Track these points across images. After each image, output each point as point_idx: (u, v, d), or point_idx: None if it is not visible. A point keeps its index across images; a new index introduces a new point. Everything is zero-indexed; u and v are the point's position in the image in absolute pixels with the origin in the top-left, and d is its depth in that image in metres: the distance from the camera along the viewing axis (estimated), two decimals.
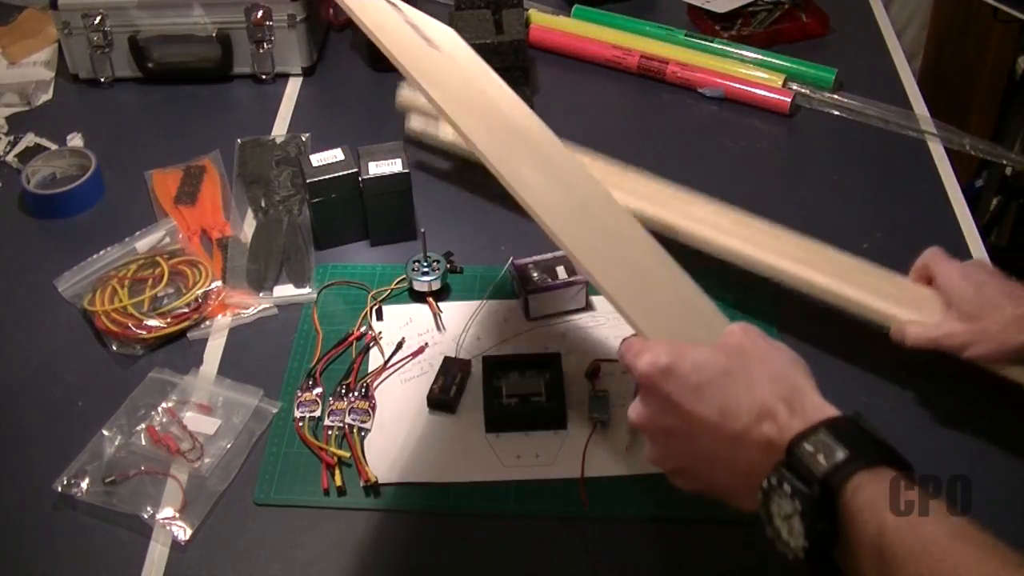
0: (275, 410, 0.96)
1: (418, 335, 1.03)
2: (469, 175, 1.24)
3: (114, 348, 1.03)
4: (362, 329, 1.03)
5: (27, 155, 1.28)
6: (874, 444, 0.59)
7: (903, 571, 0.53)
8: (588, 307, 1.05)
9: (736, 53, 1.37)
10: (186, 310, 1.05)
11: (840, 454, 0.58)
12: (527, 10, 1.44)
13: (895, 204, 1.16)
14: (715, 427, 0.64)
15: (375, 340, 1.02)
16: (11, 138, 1.32)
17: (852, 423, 0.60)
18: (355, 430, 0.94)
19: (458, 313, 1.05)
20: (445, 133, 1.17)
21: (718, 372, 0.65)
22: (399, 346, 1.02)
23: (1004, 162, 1.52)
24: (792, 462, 0.59)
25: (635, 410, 0.69)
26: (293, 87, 1.40)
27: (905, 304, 0.91)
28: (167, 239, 1.13)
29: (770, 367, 0.65)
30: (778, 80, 1.32)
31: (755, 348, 0.66)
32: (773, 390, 0.63)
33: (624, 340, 0.70)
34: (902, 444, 0.63)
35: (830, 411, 0.62)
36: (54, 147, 1.29)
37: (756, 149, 1.27)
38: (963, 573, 0.51)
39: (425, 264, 1.06)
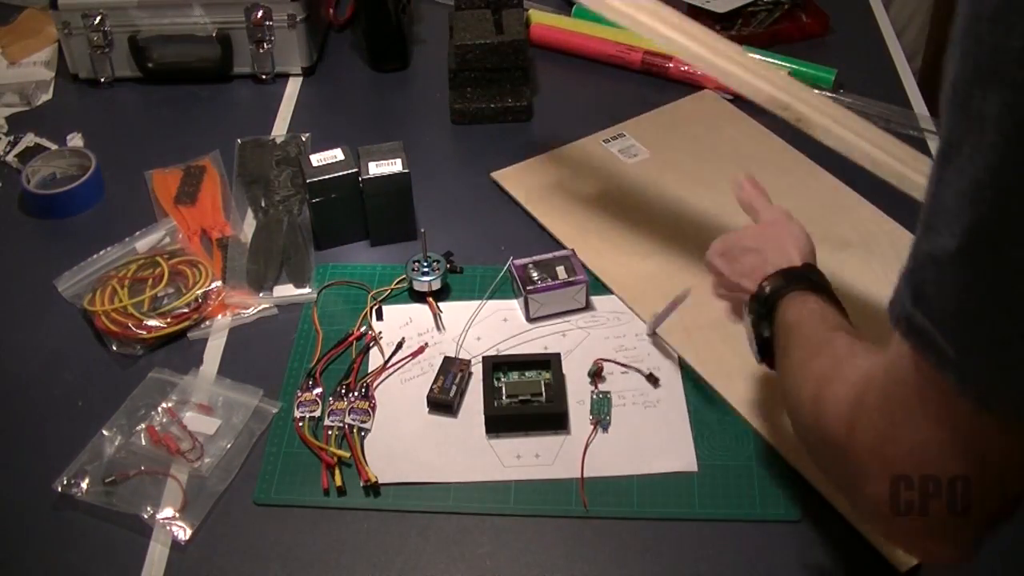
0: (275, 410, 0.96)
1: (418, 335, 1.03)
2: (469, 174, 1.24)
3: (114, 348, 1.03)
4: (362, 329, 1.03)
5: (27, 155, 1.28)
6: (805, 280, 0.83)
7: (787, 338, 0.79)
8: (588, 307, 1.05)
9: None
10: (186, 310, 1.05)
11: (779, 284, 0.83)
12: (527, 10, 1.44)
13: (896, 203, 1.16)
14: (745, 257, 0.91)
15: (375, 340, 1.02)
16: (11, 138, 1.32)
17: (799, 270, 0.84)
18: (355, 430, 0.94)
19: (458, 313, 1.05)
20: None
21: (751, 237, 0.93)
22: (399, 346, 1.02)
23: None
24: (757, 292, 0.84)
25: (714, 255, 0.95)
26: (293, 87, 1.40)
27: None
28: (167, 239, 1.13)
29: (778, 239, 0.89)
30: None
31: (774, 226, 0.92)
32: (773, 256, 0.87)
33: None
34: None
35: (796, 264, 0.86)
36: (54, 147, 1.29)
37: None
38: (808, 332, 0.77)
39: (425, 264, 1.06)
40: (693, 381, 0.97)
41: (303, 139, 1.27)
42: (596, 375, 0.97)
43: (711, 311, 0.97)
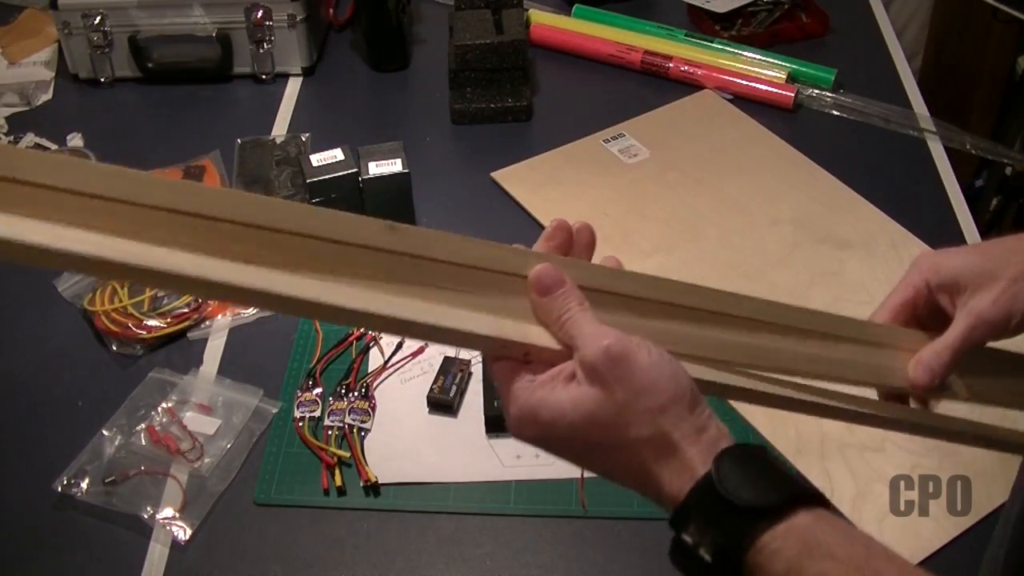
0: (275, 410, 0.96)
1: None
2: (469, 174, 1.24)
3: (114, 348, 1.03)
4: (362, 329, 1.03)
5: None
6: (744, 515, 0.50)
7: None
8: None
9: (736, 53, 1.37)
10: (186, 310, 1.05)
11: (718, 541, 0.50)
12: (527, 10, 1.44)
13: (895, 203, 1.16)
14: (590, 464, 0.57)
15: (375, 340, 1.02)
16: (11, 138, 1.32)
17: (716, 492, 0.50)
18: (355, 430, 0.94)
19: None
20: None
21: (579, 433, 0.53)
22: (399, 346, 1.02)
23: (1004, 161, 1.52)
24: (679, 547, 0.52)
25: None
26: (293, 87, 1.40)
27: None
28: None
29: (628, 421, 0.52)
30: (781, 75, 1.33)
31: (616, 398, 0.52)
32: (641, 458, 0.53)
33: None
34: None
35: (697, 473, 0.52)
36: (54, 147, 1.29)
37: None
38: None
39: None
40: None
41: (303, 139, 1.27)
42: None
43: None
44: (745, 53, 1.37)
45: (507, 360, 0.55)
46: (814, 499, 0.51)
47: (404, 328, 0.52)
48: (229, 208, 0.49)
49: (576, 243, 0.61)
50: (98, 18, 1.34)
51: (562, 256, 0.59)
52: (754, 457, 0.53)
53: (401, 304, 0.52)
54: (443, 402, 0.95)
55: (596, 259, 0.61)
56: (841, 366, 0.64)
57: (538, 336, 0.55)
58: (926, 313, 0.67)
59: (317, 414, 0.95)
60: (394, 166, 1.10)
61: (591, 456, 0.55)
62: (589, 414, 0.52)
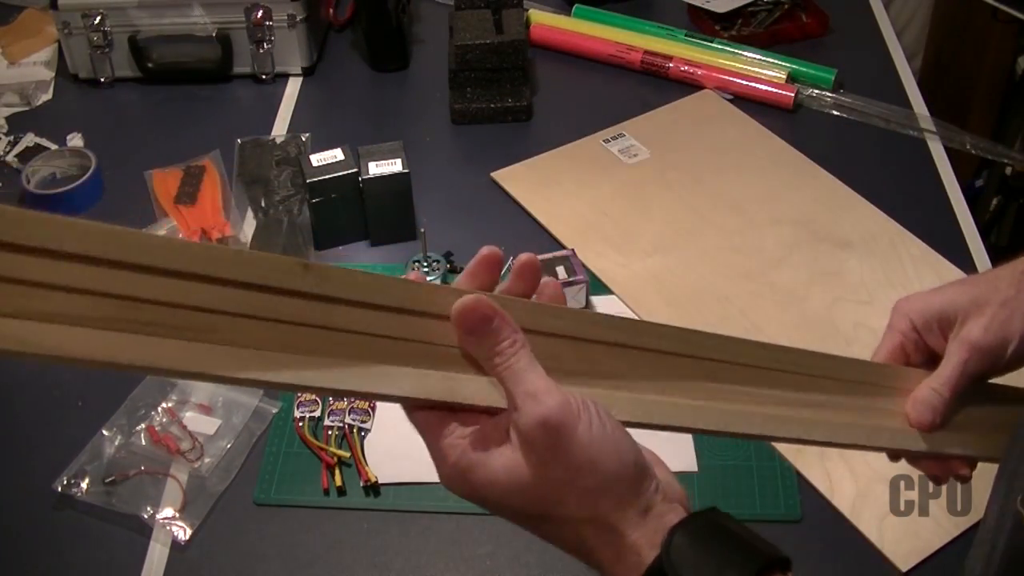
0: (275, 410, 0.96)
1: None
2: (469, 174, 1.24)
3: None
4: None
5: (27, 155, 1.28)
6: None
7: None
8: (588, 307, 1.05)
9: (736, 53, 1.37)
10: None
11: None
12: (527, 10, 1.44)
13: (895, 203, 1.16)
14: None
15: None
16: (11, 138, 1.32)
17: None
18: (355, 430, 0.94)
19: None
20: None
21: (516, 504, 0.51)
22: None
23: (1004, 160, 1.52)
24: None
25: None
26: (293, 87, 1.40)
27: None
28: None
29: (572, 502, 0.49)
30: (782, 75, 1.33)
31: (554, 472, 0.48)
32: (580, 536, 0.51)
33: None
34: None
35: (644, 559, 0.49)
36: (54, 147, 1.29)
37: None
38: None
39: (425, 264, 1.06)
40: None
41: (303, 139, 1.27)
42: None
43: (711, 311, 0.97)
44: (745, 53, 1.37)
45: (431, 411, 0.50)
46: (780, 563, 0.48)
47: (315, 390, 0.48)
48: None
49: (517, 274, 0.54)
50: (98, 18, 1.34)
51: (493, 292, 0.52)
52: (708, 529, 0.49)
53: (304, 365, 0.46)
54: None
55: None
56: (832, 429, 0.59)
57: (468, 392, 0.49)
58: (918, 359, 0.64)
59: (317, 414, 0.95)
60: (394, 166, 1.10)
61: (528, 525, 0.52)
62: (523, 487, 0.48)
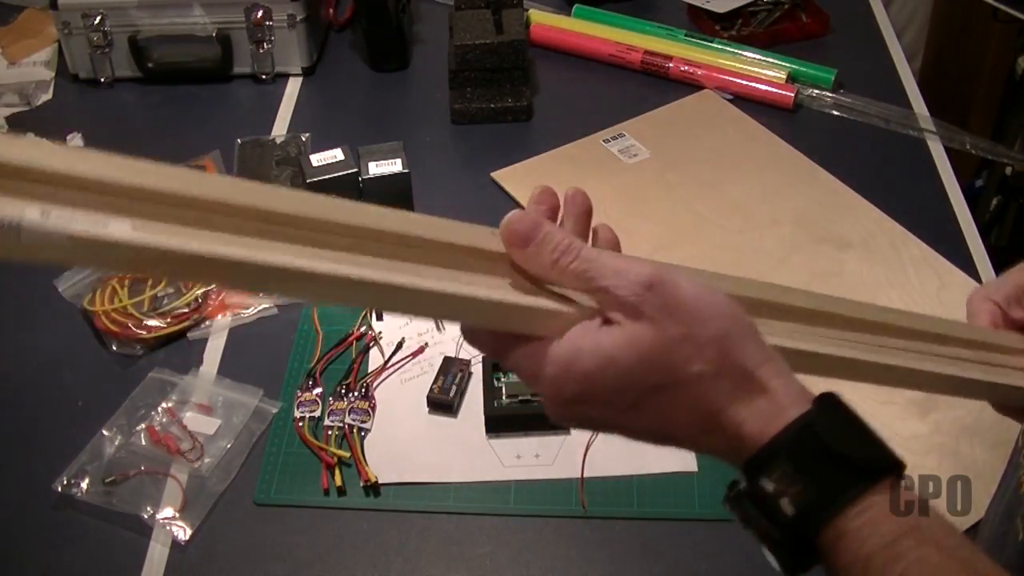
0: (275, 410, 0.96)
1: (418, 335, 1.03)
2: (469, 174, 1.24)
3: (114, 348, 1.03)
4: (362, 329, 1.03)
5: None
6: (848, 469, 0.44)
7: None
8: None
9: (736, 53, 1.37)
10: (186, 310, 1.05)
11: (809, 494, 0.44)
12: (527, 10, 1.44)
13: (895, 203, 1.16)
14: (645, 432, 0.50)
15: (375, 340, 1.02)
16: None
17: (816, 438, 0.44)
18: (355, 430, 0.94)
19: None
20: None
21: (629, 382, 0.46)
22: (399, 346, 1.02)
23: (1004, 160, 1.52)
24: (753, 493, 0.46)
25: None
26: (293, 87, 1.40)
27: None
28: None
29: (698, 357, 0.46)
30: (782, 75, 1.33)
31: (671, 332, 0.45)
32: (709, 396, 0.47)
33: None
34: None
35: (787, 413, 0.46)
36: None
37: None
38: None
39: None
40: None
41: (303, 139, 1.27)
42: None
43: None
44: (745, 53, 1.37)
45: (515, 340, 0.48)
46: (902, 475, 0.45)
47: (404, 301, 0.47)
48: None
49: (569, 214, 0.51)
50: (98, 18, 1.34)
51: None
52: (851, 409, 0.46)
53: (398, 271, 0.46)
54: (443, 402, 0.95)
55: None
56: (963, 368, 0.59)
57: (545, 302, 0.47)
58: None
59: (317, 414, 0.95)
60: (394, 166, 1.10)
61: (647, 405, 0.47)
62: (642, 355, 0.45)
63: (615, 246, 0.51)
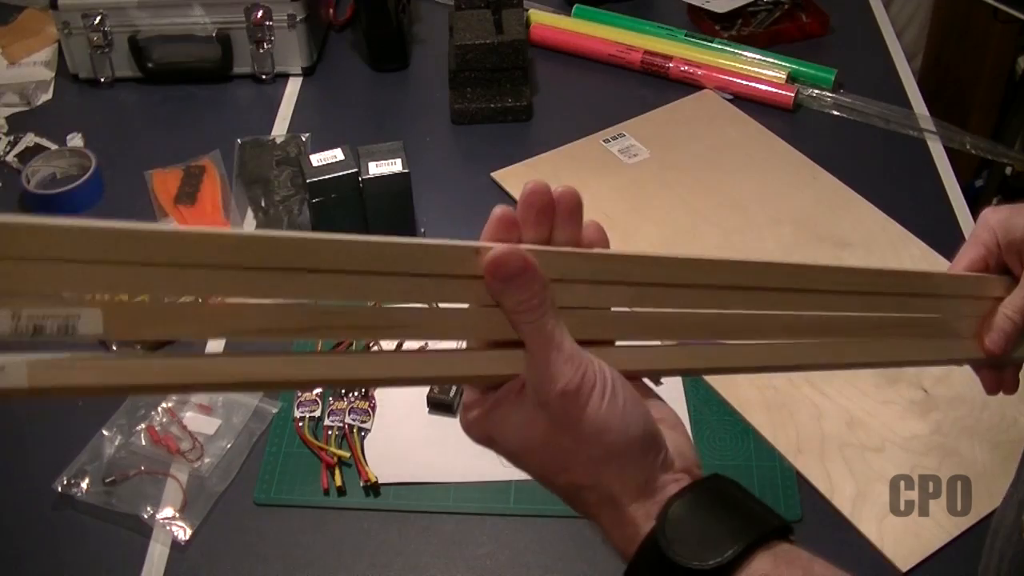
0: (275, 410, 0.96)
1: None
2: (469, 174, 1.24)
3: (114, 348, 1.03)
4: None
5: (27, 155, 1.28)
6: (695, 573, 0.47)
7: None
8: None
9: (736, 53, 1.37)
10: None
11: None
12: (527, 10, 1.44)
13: (895, 203, 1.16)
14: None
15: (375, 340, 1.02)
16: (11, 138, 1.32)
17: (662, 556, 0.47)
18: (355, 430, 0.94)
19: None
20: None
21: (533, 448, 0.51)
22: (398, 346, 1.02)
23: (1004, 160, 1.52)
24: None
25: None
26: (293, 87, 1.40)
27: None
28: None
29: (576, 464, 0.50)
30: (782, 75, 1.33)
31: (566, 434, 0.49)
32: (582, 501, 0.52)
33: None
34: None
35: (641, 532, 0.49)
36: (54, 147, 1.29)
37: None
38: None
39: None
40: (693, 381, 0.97)
41: (303, 139, 1.27)
42: None
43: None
44: (745, 53, 1.37)
45: None
46: (774, 533, 0.47)
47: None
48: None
49: (558, 213, 0.51)
50: (98, 18, 1.34)
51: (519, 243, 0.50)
52: (705, 499, 0.48)
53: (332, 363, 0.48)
54: (443, 402, 0.95)
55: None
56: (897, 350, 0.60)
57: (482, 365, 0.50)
58: (998, 273, 0.65)
59: (317, 414, 0.95)
60: (394, 166, 1.10)
61: (539, 479, 0.53)
62: (535, 447, 0.50)
63: (603, 243, 0.53)
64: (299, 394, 0.97)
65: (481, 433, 0.52)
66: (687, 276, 0.53)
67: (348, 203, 1.11)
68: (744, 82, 1.33)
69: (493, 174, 1.22)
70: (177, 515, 0.88)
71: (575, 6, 1.48)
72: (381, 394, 0.97)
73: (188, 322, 0.43)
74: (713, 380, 0.97)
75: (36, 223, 0.40)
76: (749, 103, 1.32)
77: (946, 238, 1.11)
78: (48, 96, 1.41)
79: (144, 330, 0.42)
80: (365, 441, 0.93)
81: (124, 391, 0.43)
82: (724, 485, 0.50)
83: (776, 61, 1.36)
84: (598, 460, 0.49)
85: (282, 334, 0.45)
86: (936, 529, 0.84)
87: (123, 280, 0.43)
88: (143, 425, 0.95)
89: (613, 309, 0.53)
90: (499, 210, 0.50)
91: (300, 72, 1.41)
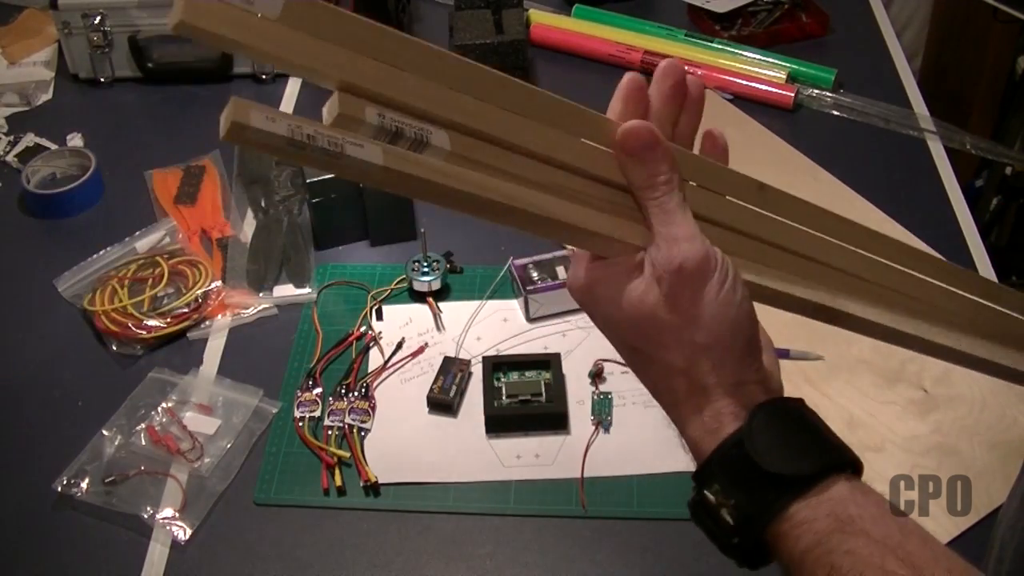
0: (275, 410, 0.96)
1: (418, 335, 1.03)
2: None
3: (114, 348, 1.03)
4: (362, 329, 1.03)
5: (27, 155, 1.28)
6: (774, 482, 0.47)
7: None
8: None
9: (736, 53, 1.37)
10: (186, 310, 1.05)
11: (744, 506, 0.48)
12: (527, 10, 1.44)
13: (895, 203, 1.16)
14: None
15: (375, 340, 1.02)
16: (11, 138, 1.32)
17: (745, 456, 0.47)
18: (355, 430, 0.94)
19: (458, 313, 1.05)
20: None
21: (641, 323, 0.50)
22: (399, 346, 1.02)
23: (1004, 160, 1.51)
24: (701, 503, 0.50)
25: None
26: (293, 87, 1.40)
27: None
28: (167, 239, 1.13)
29: (681, 348, 0.49)
30: (782, 75, 1.33)
31: (674, 318, 0.49)
32: (671, 385, 0.51)
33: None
34: None
35: (725, 429, 0.49)
36: (54, 147, 1.29)
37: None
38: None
39: (425, 264, 1.06)
40: None
41: None
42: (597, 376, 0.97)
43: None
44: (745, 53, 1.37)
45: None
46: (852, 466, 0.48)
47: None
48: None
49: (656, 91, 0.55)
50: (98, 18, 1.34)
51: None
52: (791, 416, 0.49)
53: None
54: (443, 402, 0.95)
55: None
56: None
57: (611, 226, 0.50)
58: None
59: (317, 414, 0.95)
60: None
61: (627, 353, 0.52)
62: (637, 319, 0.49)
63: (723, 156, 0.57)
64: (299, 394, 0.97)
65: (585, 293, 0.52)
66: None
67: (348, 203, 1.11)
68: (744, 82, 1.33)
69: None
70: (177, 515, 0.88)
71: (575, 6, 1.48)
72: (381, 394, 0.97)
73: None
74: None
75: (418, 43, 0.46)
76: (749, 103, 1.32)
77: (946, 238, 1.11)
78: (48, 96, 1.41)
79: (481, 154, 0.48)
80: (365, 441, 0.93)
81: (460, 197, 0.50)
82: (808, 411, 0.50)
83: (776, 61, 1.36)
84: (701, 346, 0.49)
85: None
86: (936, 529, 0.84)
87: (474, 113, 0.47)
88: (143, 425, 0.95)
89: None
90: (629, 75, 0.52)
91: None
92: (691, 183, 0.53)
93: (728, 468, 0.48)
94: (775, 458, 0.47)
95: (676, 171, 0.50)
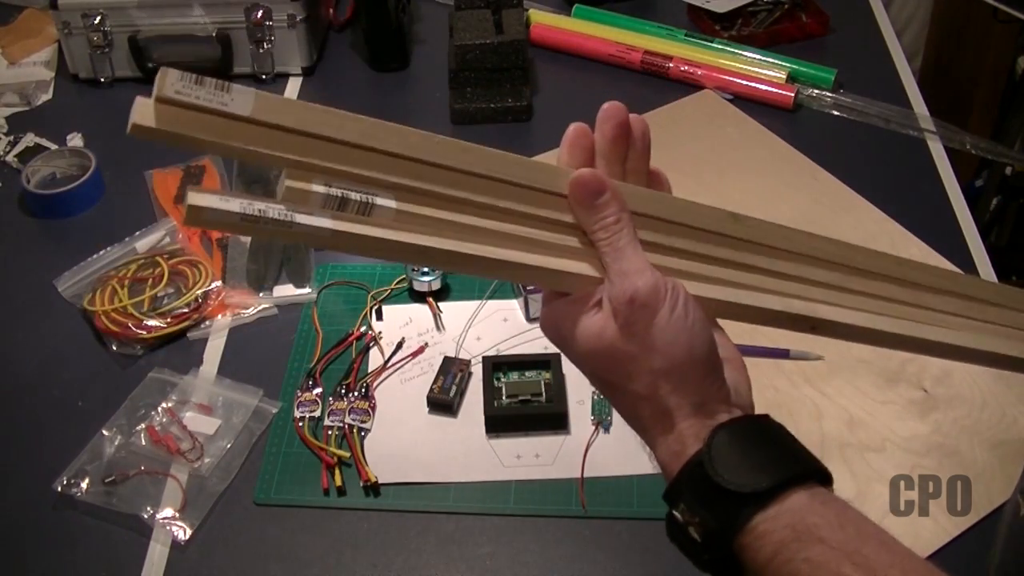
0: (275, 410, 0.96)
1: (418, 335, 1.03)
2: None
3: (114, 348, 1.03)
4: (362, 329, 1.03)
5: (27, 155, 1.28)
6: (734, 499, 0.49)
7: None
8: None
9: (736, 53, 1.37)
10: (186, 310, 1.05)
11: (708, 523, 0.50)
12: (527, 10, 1.44)
13: (895, 203, 1.16)
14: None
15: (375, 340, 1.02)
16: (11, 138, 1.32)
17: (705, 476, 0.50)
18: (355, 430, 0.94)
19: (458, 313, 1.05)
20: None
21: (600, 354, 0.53)
22: (399, 346, 1.02)
23: (1004, 160, 1.51)
24: (671, 521, 0.53)
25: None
26: (293, 87, 1.40)
27: None
28: (167, 239, 1.13)
29: (644, 374, 0.52)
30: (782, 75, 1.33)
31: (635, 342, 0.51)
32: (638, 412, 0.54)
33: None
34: None
35: (688, 451, 0.51)
36: (54, 147, 1.29)
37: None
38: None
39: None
40: None
41: None
42: None
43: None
44: (745, 53, 1.37)
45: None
46: (813, 475, 0.50)
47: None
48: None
49: (599, 133, 0.58)
50: (98, 18, 1.34)
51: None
52: (752, 433, 0.52)
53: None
54: (443, 402, 0.96)
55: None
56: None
57: (567, 265, 0.54)
58: None
59: (317, 414, 0.95)
60: None
61: (599, 385, 0.56)
62: (600, 352, 0.53)
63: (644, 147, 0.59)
64: (299, 394, 0.97)
65: (553, 331, 0.55)
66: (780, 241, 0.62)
67: None
68: (744, 82, 1.33)
69: None
70: (177, 515, 0.88)
71: (575, 6, 1.48)
72: (381, 394, 0.97)
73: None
74: None
75: (358, 119, 0.51)
76: (749, 103, 1.32)
77: (946, 238, 1.11)
78: (48, 96, 1.41)
79: (430, 211, 0.51)
80: (365, 441, 0.93)
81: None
82: (773, 425, 0.53)
83: (776, 61, 1.36)
84: (660, 371, 0.51)
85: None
86: (936, 529, 0.84)
87: (417, 173, 0.52)
88: (143, 425, 0.95)
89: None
90: (572, 125, 0.58)
91: (300, 72, 1.41)
92: (649, 216, 0.56)
93: (692, 488, 0.51)
94: (734, 475, 0.49)
95: (625, 210, 0.53)
